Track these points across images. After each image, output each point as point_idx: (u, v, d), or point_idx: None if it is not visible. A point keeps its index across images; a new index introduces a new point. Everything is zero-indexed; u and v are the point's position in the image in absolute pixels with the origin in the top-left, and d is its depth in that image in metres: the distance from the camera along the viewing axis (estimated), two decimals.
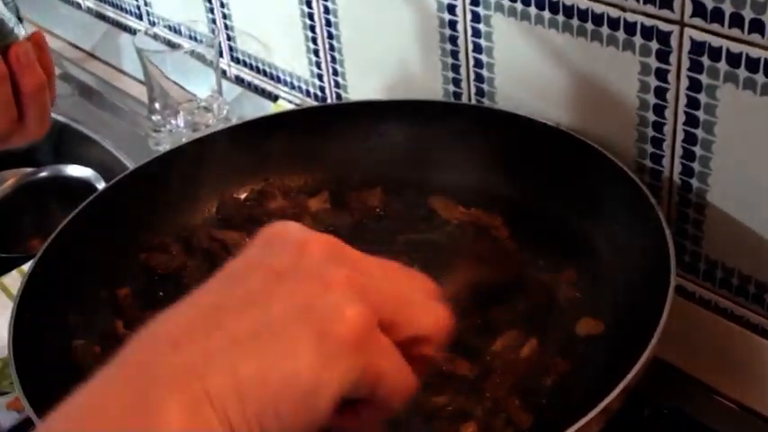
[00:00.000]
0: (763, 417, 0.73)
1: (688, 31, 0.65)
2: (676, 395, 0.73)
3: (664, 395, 0.72)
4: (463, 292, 0.69)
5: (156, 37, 1.12)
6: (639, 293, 0.64)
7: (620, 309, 0.65)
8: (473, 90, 0.85)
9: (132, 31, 1.32)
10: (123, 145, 1.14)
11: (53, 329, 0.68)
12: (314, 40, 1.00)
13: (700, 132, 0.68)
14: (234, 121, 1.03)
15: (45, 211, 1.12)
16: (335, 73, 1.00)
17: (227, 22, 1.13)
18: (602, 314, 0.66)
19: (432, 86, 0.88)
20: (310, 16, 0.98)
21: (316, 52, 1.01)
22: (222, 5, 1.12)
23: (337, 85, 1.01)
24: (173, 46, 1.14)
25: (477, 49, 0.82)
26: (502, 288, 0.70)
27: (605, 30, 0.70)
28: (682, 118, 0.68)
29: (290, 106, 1.08)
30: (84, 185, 1.08)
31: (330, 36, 0.97)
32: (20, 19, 0.82)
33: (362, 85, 0.98)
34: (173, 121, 1.03)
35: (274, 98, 1.11)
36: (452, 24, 0.83)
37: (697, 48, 0.65)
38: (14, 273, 0.88)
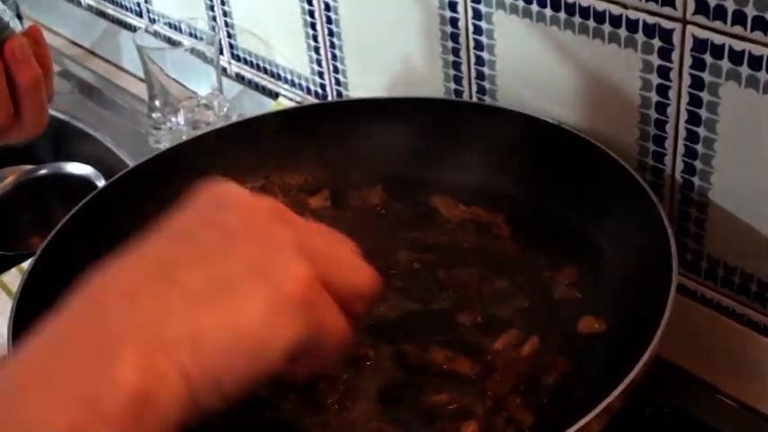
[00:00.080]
0: (765, 415, 0.73)
1: (690, 29, 0.65)
2: (678, 394, 0.73)
3: (665, 394, 0.72)
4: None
5: (156, 34, 1.12)
6: (641, 292, 0.63)
7: (621, 307, 0.65)
8: (474, 88, 0.84)
9: (132, 29, 1.32)
10: (123, 142, 1.14)
11: None
12: (314, 38, 1.00)
13: (702, 130, 0.67)
14: (234, 119, 1.03)
15: (45, 208, 1.12)
16: (336, 70, 1.00)
17: (228, 20, 1.13)
18: (604, 313, 0.65)
19: (433, 84, 0.88)
20: (311, 13, 0.98)
21: (316, 50, 1.01)
22: (222, 3, 1.12)
23: (338, 82, 1.01)
24: (173, 43, 1.14)
25: (479, 46, 0.81)
26: (503, 286, 0.70)
27: (607, 27, 0.70)
28: (684, 116, 0.68)
29: (291, 104, 1.07)
30: (84, 183, 1.08)
31: (331, 33, 0.97)
32: (20, 17, 0.82)
33: (363, 83, 0.98)
34: (173, 119, 1.03)
35: (275, 96, 1.11)
36: (454, 21, 0.82)
37: (699, 45, 0.64)
38: (14, 270, 0.88)
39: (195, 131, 1.01)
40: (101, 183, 1.07)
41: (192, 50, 1.03)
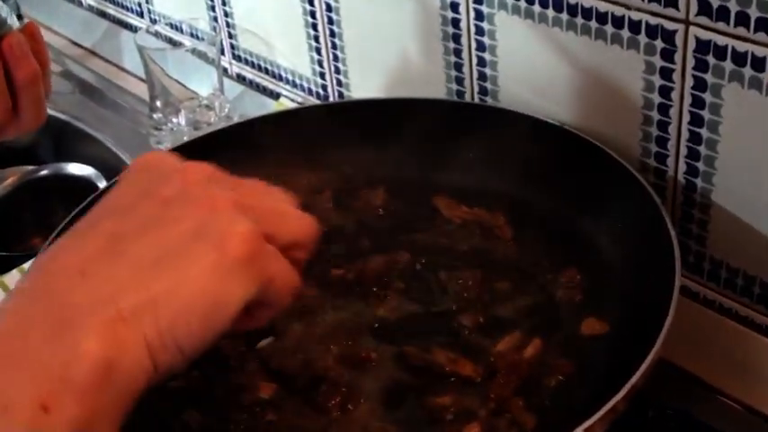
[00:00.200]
0: None
1: (693, 30, 0.64)
2: (680, 396, 0.73)
3: (668, 396, 0.72)
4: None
5: (157, 35, 1.12)
6: (644, 294, 0.63)
7: (624, 309, 0.65)
8: (476, 88, 0.84)
9: (133, 29, 1.31)
10: (124, 143, 1.14)
11: None
12: (316, 38, 1.00)
13: (704, 132, 0.67)
14: (235, 120, 1.02)
15: (46, 209, 1.12)
16: (338, 71, 1.00)
17: (229, 20, 1.12)
18: (607, 314, 0.65)
19: (435, 85, 0.88)
20: (312, 14, 0.98)
21: (318, 50, 1.00)
22: (224, 3, 1.12)
23: (339, 83, 1.00)
24: (174, 44, 1.14)
25: (481, 47, 0.81)
26: (505, 288, 0.70)
27: (610, 28, 0.69)
28: (686, 117, 0.68)
29: (292, 104, 1.07)
30: (86, 183, 1.08)
31: (332, 34, 0.97)
32: (20, 17, 0.82)
33: (365, 84, 0.98)
34: (174, 120, 1.03)
35: (276, 96, 1.11)
36: (455, 22, 0.82)
37: (702, 46, 0.64)
38: (15, 272, 0.87)
39: (196, 132, 1.01)
40: (102, 183, 1.07)
41: (194, 51, 1.03)
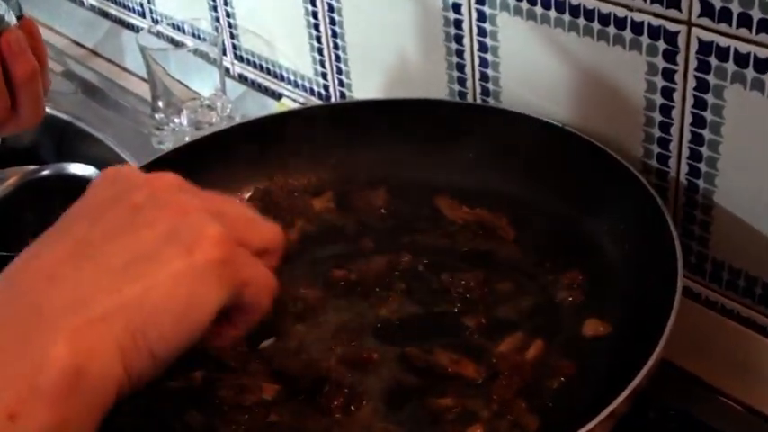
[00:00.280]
0: None
1: (695, 31, 0.64)
2: (682, 397, 0.73)
3: (669, 397, 0.72)
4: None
5: (159, 35, 1.12)
6: (646, 295, 0.63)
7: (626, 310, 0.65)
8: (478, 89, 0.84)
9: (135, 29, 1.32)
10: (126, 143, 1.14)
11: None
12: (318, 39, 1.00)
13: (707, 133, 0.67)
14: (237, 120, 1.02)
15: (48, 209, 1.10)
16: (339, 71, 1.00)
17: (231, 20, 1.12)
18: (609, 315, 0.65)
19: (437, 85, 0.88)
20: (314, 15, 0.98)
21: (320, 51, 1.00)
22: (225, 3, 1.12)
23: (341, 83, 1.01)
24: (176, 44, 1.14)
25: (483, 48, 0.81)
26: (507, 289, 0.70)
27: (612, 29, 0.69)
28: (689, 119, 0.68)
29: (294, 105, 1.07)
30: (87, 184, 1.08)
31: (334, 34, 0.97)
32: (22, 17, 0.82)
33: (366, 84, 0.98)
34: (176, 120, 1.03)
35: (278, 97, 1.11)
36: (458, 23, 0.82)
37: (704, 48, 0.64)
38: None
39: (198, 132, 1.01)
40: None
41: (195, 51, 1.03)
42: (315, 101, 1.06)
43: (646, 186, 0.68)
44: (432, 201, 0.79)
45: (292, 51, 1.05)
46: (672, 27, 0.66)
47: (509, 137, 0.77)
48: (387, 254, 0.73)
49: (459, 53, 0.84)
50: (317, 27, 0.99)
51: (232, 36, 1.14)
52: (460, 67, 0.85)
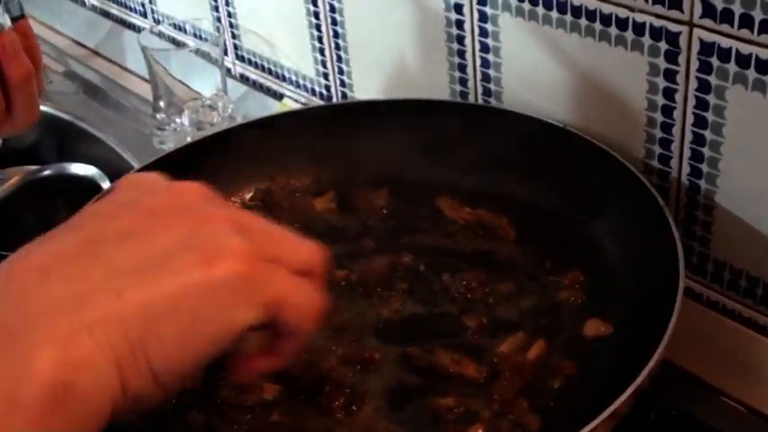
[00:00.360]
0: None
1: (697, 32, 0.64)
2: (683, 397, 0.73)
3: (670, 397, 0.72)
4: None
5: (160, 35, 1.12)
6: (647, 295, 0.63)
7: (627, 310, 0.65)
8: (480, 90, 0.84)
9: (137, 29, 1.32)
10: (128, 143, 1.14)
11: None
12: (319, 39, 1.00)
13: (708, 134, 0.67)
14: (239, 120, 1.03)
15: (49, 209, 1.11)
16: (341, 72, 1.00)
17: (232, 20, 1.12)
18: (610, 316, 0.65)
19: (438, 86, 0.88)
20: (316, 15, 0.98)
21: (321, 51, 1.00)
22: (227, 3, 1.12)
23: (343, 83, 1.01)
24: (177, 44, 1.14)
25: (485, 48, 0.81)
26: (508, 289, 0.70)
27: (614, 30, 0.69)
28: (690, 119, 0.68)
29: (296, 105, 1.07)
30: (89, 184, 1.08)
31: (336, 35, 0.97)
32: (23, 16, 0.82)
33: (368, 85, 0.98)
34: (177, 120, 1.03)
35: (279, 97, 1.11)
36: (459, 24, 0.82)
37: (706, 49, 0.64)
38: None
39: (200, 132, 1.01)
40: (105, 183, 1.07)
41: (197, 51, 1.03)
42: (316, 101, 1.06)
43: (647, 187, 0.68)
44: (433, 201, 0.79)
45: (294, 51, 1.05)
46: (673, 28, 0.66)
47: (510, 137, 0.77)
48: (388, 254, 0.74)
49: (461, 53, 0.84)
50: (318, 27, 0.99)
51: (233, 36, 1.14)
52: (462, 68, 0.85)
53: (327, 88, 1.03)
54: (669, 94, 0.69)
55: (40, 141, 1.22)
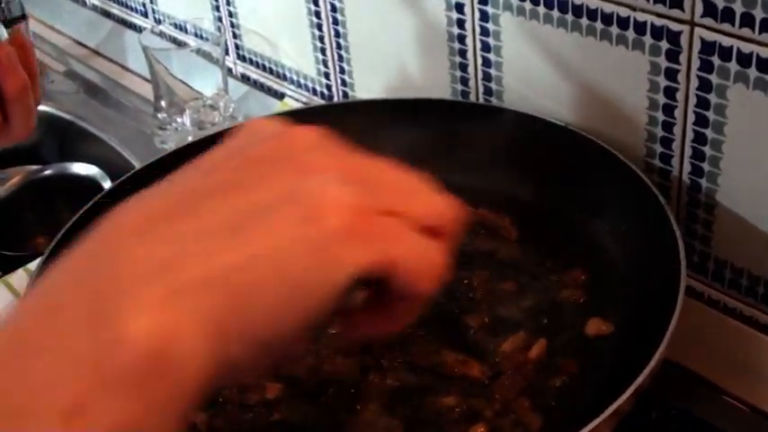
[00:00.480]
0: None
1: (698, 31, 0.64)
2: (684, 396, 0.73)
3: (672, 396, 0.72)
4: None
5: (161, 35, 1.12)
6: (649, 294, 0.63)
7: (629, 309, 0.65)
8: (481, 89, 0.84)
9: (138, 29, 1.32)
10: (129, 143, 1.14)
11: None
12: (321, 39, 1.00)
13: (709, 132, 0.67)
14: (240, 120, 1.03)
15: (50, 209, 1.12)
16: (342, 71, 1.00)
17: (233, 20, 1.13)
18: (611, 315, 0.66)
19: (439, 85, 0.88)
20: (317, 14, 0.98)
21: (322, 50, 1.00)
22: (228, 3, 1.12)
23: (344, 83, 1.01)
24: (178, 44, 1.14)
25: (486, 47, 0.81)
26: (510, 288, 0.70)
27: (615, 29, 0.69)
28: (691, 118, 0.68)
29: (297, 105, 1.07)
30: (90, 183, 1.08)
31: (337, 34, 0.97)
32: (24, 16, 0.82)
33: (369, 84, 0.98)
34: (178, 120, 1.03)
35: (281, 96, 1.11)
36: (460, 23, 0.82)
37: (707, 47, 0.64)
38: (20, 272, 0.87)
39: (201, 132, 1.01)
40: (106, 183, 1.07)
41: (198, 51, 1.03)
42: (317, 100, 1.06)
43: (648, 185, 0.68)
44: None
45: (295, 51, 1.05)
46: (675, 27, 0.66)
47: (512, 136, 0.77)
48: None
49: (462, 53, 0.84)
50: (319, 27, 0.99)
51: (235, 36, 1.14)
52: (463, 67, 0.85)
53: (329, 88, 1.03)
54: (670, 92, 0.69)
55: (40, 141, 1.22)
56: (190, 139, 0.99)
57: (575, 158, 0.74)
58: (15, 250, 1.03)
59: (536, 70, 0.78)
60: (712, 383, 0.75)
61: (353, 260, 0.37)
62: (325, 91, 1.04)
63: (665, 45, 0.67)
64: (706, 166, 0.69)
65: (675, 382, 0.73)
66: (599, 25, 0.70)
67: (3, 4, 0.86)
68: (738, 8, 0.61)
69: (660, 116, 0.70)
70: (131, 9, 1.33)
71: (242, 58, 1.15)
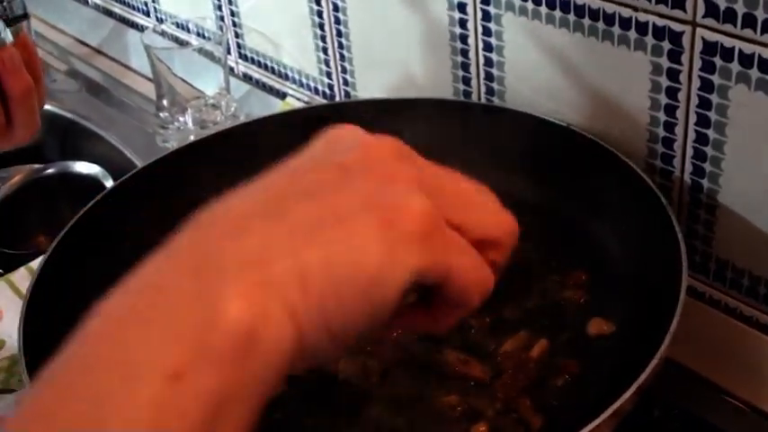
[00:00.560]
0: None
1: (700, 32, 0.65)
2: (686, 396, 0.73)
3: (673, 396, 0.72)
4: None
5: (163, 34, 1.12)
6: (650, 294, 0.63)
7: (630, 309, 0.65)
8: (483, 89, 0.84)
9: (140, 28, 1.32)
10: (131, 142, 1.15)
11: (63, 327, 0.68)
12: (323, 38, 1.00)
13: (711, 133, 0.67)
14: (242, 119, 1.03)
15: (52, 207, 1.12)
16: (344, 71, 1.00)
17: (236, 20, 1.13)
18: (613, 314, 0.66)
19: (441, 85, 0.88)
20: (319, 14, 0.98)
21: (324, 50, 1.01)
22: (230, 2, 1.12)
23: (346, 83, 1.01)
24: (181, 43, 1.14)
25: (488, 47, 0.81)
26: (512, 288, 0.70)
27: (617, 29, 0.70)
28: (693, 118, 0.68)
29: (299, 104, 1.07)
30: (92, 182, 1.09)
31: (339, 34, 0.97)
32: (26, 15, 0.82)
33: (371, 84, 0.98)
34: (180, 119, 1.03)
35: (282, 96, 1.11)
36: (463, 23, 0.82)
37: (709, 48, 0.65)
38: (23, 270, 0.88)
39: (203, 131, 1.01)
40: (108, 182, 1.07)
41: (200, 50, 1.03)
42: (319, 100, 1.06)
43: (650, 186, 0.68)
44: None
45: (297, 50, 1.06)
46: (676, 27, 0.66)
47: (513, 137, 0.77)
48: None
49: (464, 53, 0.84)
50: (321, 26, 0.99)
51: (237, 35, 1.14)
52: (465, 67, 0.85)
53: (330, 87, 1.03)
54: (672, 93, 0.69)
55: (43, 140, 1.22)
56: (192, 138, 0.99)
57: (576, 159, 0.74)
58: (17, 248, 1.03)
59: (538, 70, 0.78)
60: (713, 383, 0.76)
61: (419, 264, 0.40)
62: (327, 90, 1.04)
63: (666, 45, 0.67)
64: (707, 167, 0.69)
65: (676, 381, 0.73)
66: (601, 25, 0.71)
67: (4, 3, 0.86)
68: (740, 9, 0.61)
69: (662, 116, 0.70)
70: (133, 8, 1.33)
71: (244, 58, 1.15)
